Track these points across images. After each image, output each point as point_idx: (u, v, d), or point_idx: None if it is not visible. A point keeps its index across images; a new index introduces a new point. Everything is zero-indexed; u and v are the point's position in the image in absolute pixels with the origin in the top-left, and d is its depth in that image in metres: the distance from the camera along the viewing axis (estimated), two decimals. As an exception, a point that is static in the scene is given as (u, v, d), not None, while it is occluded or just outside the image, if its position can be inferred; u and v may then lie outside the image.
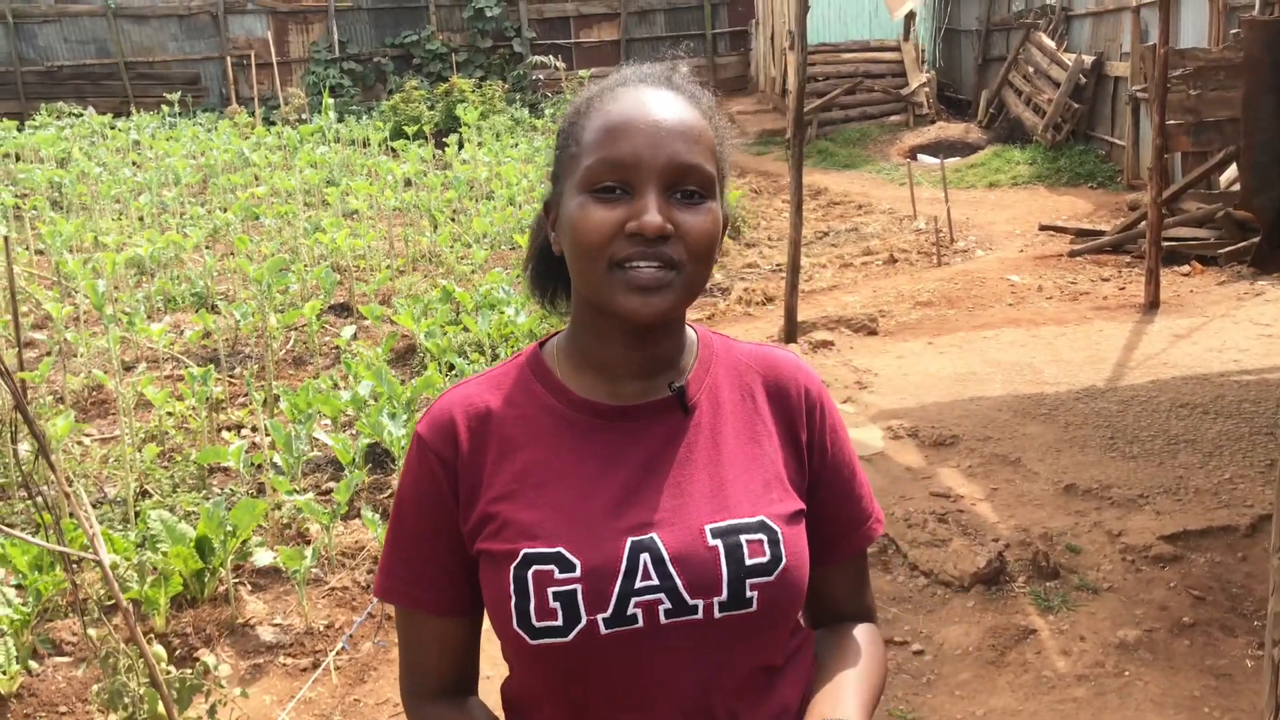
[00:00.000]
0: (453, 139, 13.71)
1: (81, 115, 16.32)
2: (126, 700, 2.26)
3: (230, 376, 6.27)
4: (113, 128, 15.27)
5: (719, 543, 1.09)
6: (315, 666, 3.43)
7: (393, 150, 14.37)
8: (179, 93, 17.64)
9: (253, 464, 4.68)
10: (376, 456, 4.99)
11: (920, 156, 13.65)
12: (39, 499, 2.36)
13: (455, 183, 10.84)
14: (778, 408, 1.20)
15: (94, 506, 4.35)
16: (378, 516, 4.03)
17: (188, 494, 4.49)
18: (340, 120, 15.99)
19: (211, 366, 5.40)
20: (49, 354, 6.52)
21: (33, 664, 3.28)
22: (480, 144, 13.85)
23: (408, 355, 6.63)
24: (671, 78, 1.15)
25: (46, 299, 7.15)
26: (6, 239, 5.25)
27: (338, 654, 3.45)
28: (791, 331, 6.74)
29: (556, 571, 1.07)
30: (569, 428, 1.14)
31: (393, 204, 10.33)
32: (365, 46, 19.22)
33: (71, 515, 3.55)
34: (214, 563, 3.70)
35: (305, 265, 8.20)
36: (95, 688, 2.43)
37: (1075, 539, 3.95)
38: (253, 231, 9.61)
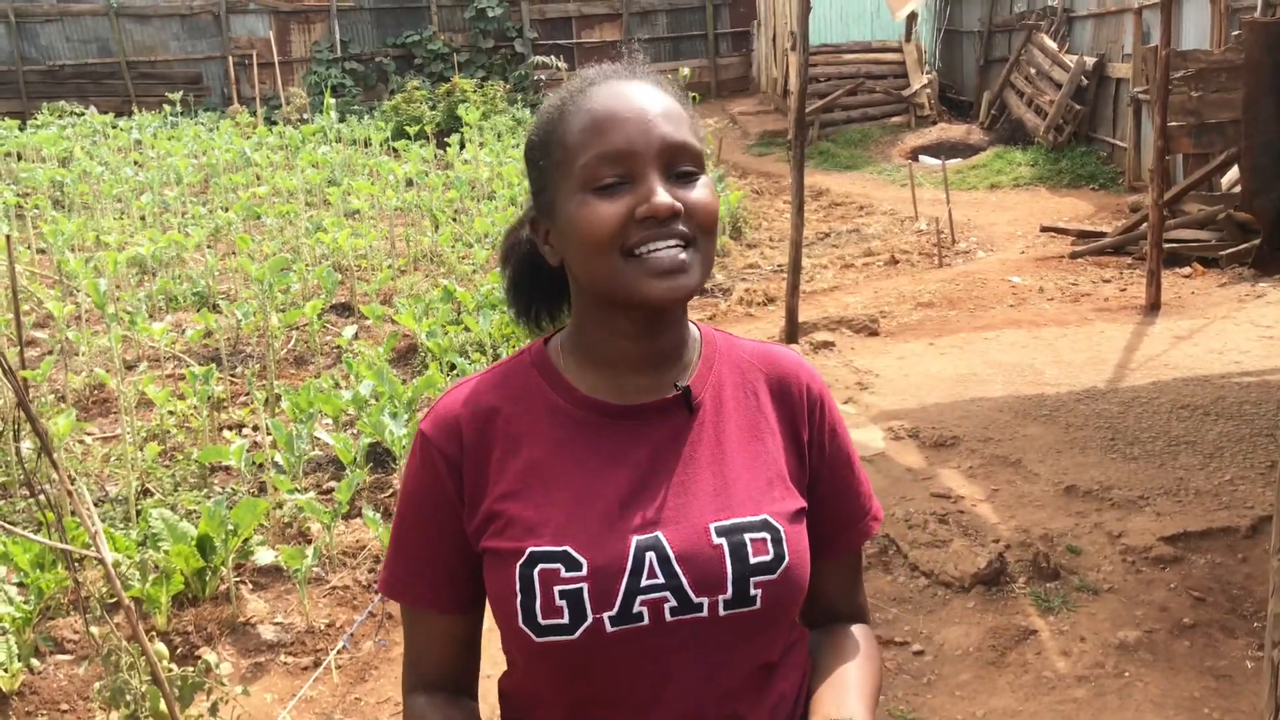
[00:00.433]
0: (454, 139, 13.72)
1: (83, 114, 16.33)
2: (128, 698, 2.26)
3: (232, 376, 6.27)
4: (114, 127, 15.27)
5: (723, 541, 1.10)
6: (316, 665, 3.44)
7: (394, 150, 14.38)
8: (181, 92, 17.64)
9: (254, 463, 4.69)
10: (378, 456, 5.00)
11: (922, 157, 13.65)
12: (41, 497, 2.37)
13: (457, 183, 10.84)
14: (780, 405, 1.21)
15: (95, 505, 4.36)
16: (379, 516, 4.04)
17: (189, 493, 4.50)
18: (342, 120, 15.99)
19: (213, 366, 5.41)
20: (50, 353, 6.53)
21: (35, 662, 3.28)
22: (482, 144, 13.86)
23: (409, 355, 6.63)
24: (634, 70, 1.16)
25: (48, 298, 7.16)
26: (9, 237, 5.26)
27: (339, 653, 3.45)
28: (793, 332, 6.74)
29: (563, 570, 1.07)
30: (574, 426, 1.15)
31: (394, 204, 10.34)
32: (367, 46, 19.23)
33: (73, 513, 3.55)
34: (215, 561, 3.70)
35: (307, 265, 8.21)
36: (97, 685, 2.44)
37: (1076, 540, 3.96)
38: (254, 231, 9.61)
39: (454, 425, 1.15)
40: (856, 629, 1.26)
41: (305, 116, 17.00)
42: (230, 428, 5.49)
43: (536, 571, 1.08)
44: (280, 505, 4.41)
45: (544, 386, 1.17)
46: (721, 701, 1.12)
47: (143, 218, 10.39)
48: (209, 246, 9.13)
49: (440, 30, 19.33)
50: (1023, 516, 4.17)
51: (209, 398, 5.14)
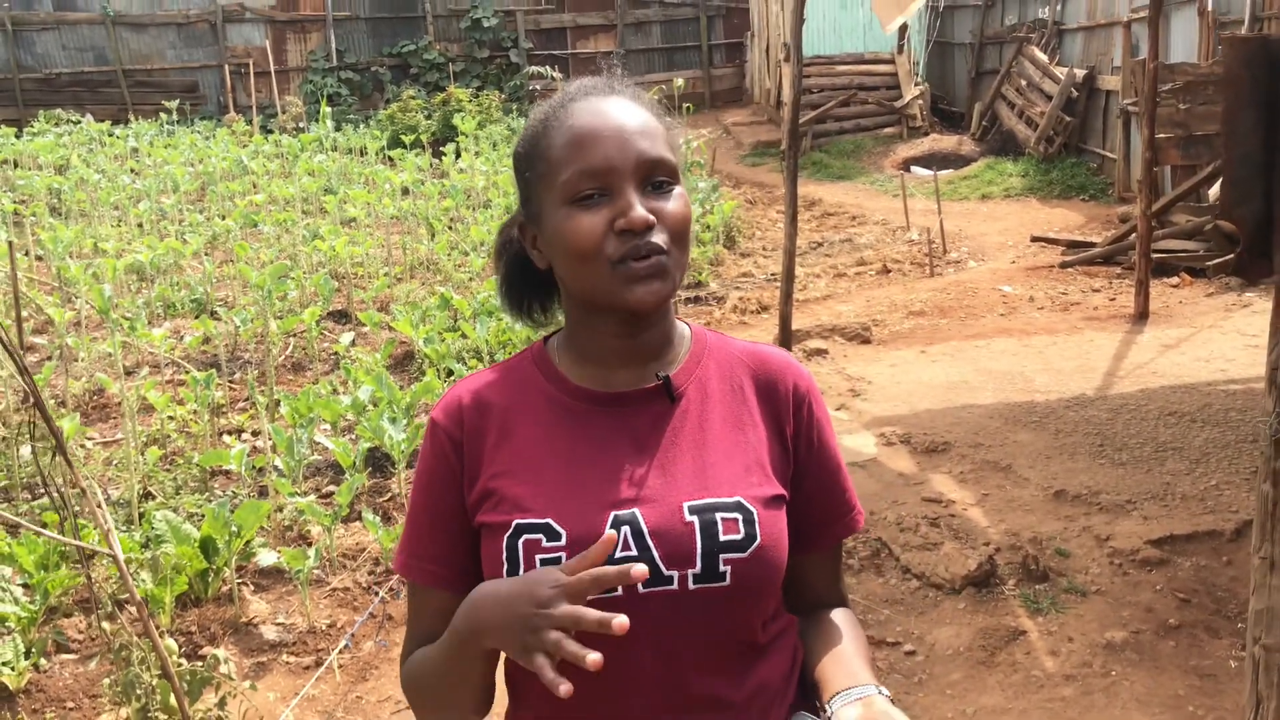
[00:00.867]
0: (450, 148, 13.80)
1: (79, 122, 16.37)
2: (139, 692, 2.32)
3: (230, 382, 6.33)
4: (111, 135, 15.32)
5: (695, 519, 1.17)
6: (318, 665, 3.49)
7: (390, 159, 14.44)
8: (177, 101, 17.71)
9: (254, 467, 4.74)
10: (377, 461, 5.05)
11: (914, 168, 13.76)
12: (55, 495, 2.43)
13: (453, 191, 10.91)
14: (765, 400, 1.28)
15: (97, 508, 4.40)
16: (378, 519, 4.10)
17: (190, 496, 4.55)
18: (337, 129, 16.06)
19: (213, 371, 5.45)
20: (49, 358, 6.58)
21: (41, 660, 3.33)
22: (477, 153, 13.93)
23: (406, 362, 6.69)
24: (613, 84, 1.24)
25: (47, 304, 7.21)
26: (11, 244, 5.32)
27: (340, 652, 3.51)
28: (786, 339, 6.81)
29: (544, 540, 1.16)
30: (565, 412, 1.24)
31: (391, 212, 10.40)
32: (363, 56, 19.31)
33: (77, 515, 3.60)
34: (218, 563, 3.76)
35: (304, 272, 8.27)
36: (107, 681, 2.49)
37: (1064, 543, 4.03)
38: (251, 239, 9.66)
39: (457, 411, 1.26)
40: (839, 612, 1.33)
41: (301, 125, 17.07)
42: (230, 433, 5.54)
43: (521, 541, 1.16)
44: (280, 509, 4.46)
45: (540, 378, 1.27)
46: (704, 678, 1.18)
47: (140, 225, 10.44)
48: (206, 254, 9.18)
49: (436, 40, 19.42)
50: (1012, 520, 4.24)
51: (209, 402, 5.20)
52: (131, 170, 13.11)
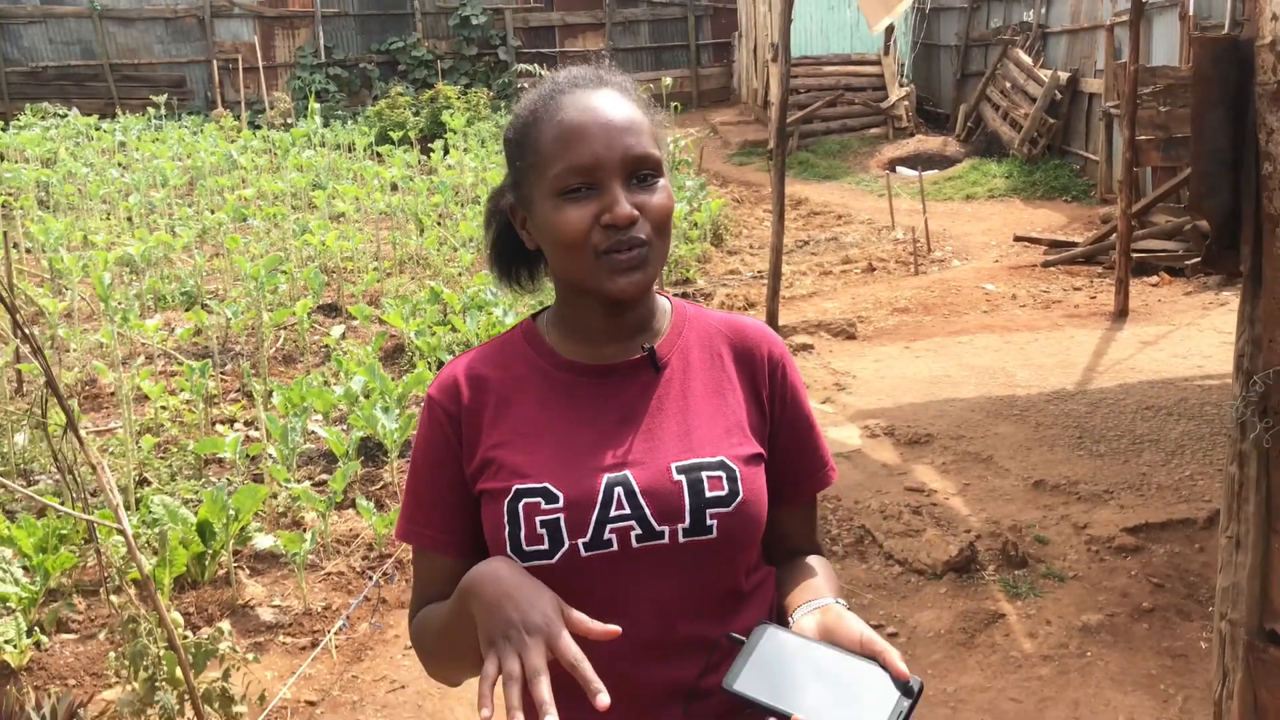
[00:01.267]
0: (438, 145, 13.84)
1: (66, 116, 16.35)
2: (146, 663, 2.38)
3: (222, 373, 6.38)
4: (98, 129, 15.30)
5: (683, 478, 1.26)
6: (314, 646, 3.56)
7: (378, 155, 14.48)
8: (164, 95, 17.68)
9: (248, 455, 4.80)
10: (369, 450, 5.12)
11: (899, 169, 13.89)
12: (67, 472, 2.49)
13: (441, 188, 10.97)
14: (743, 367, 1.37)
15: (93, 495, 4.46)
16: (372, 505, 4.17)
17: (186, 482, 4.61)
18: (326, 125, 16.08)
19: (208, 361, 5.51)
20: (41, 349, 6.61)
21: (43, 639, 3.39)
22: (466, 150, 13.98)
23: (396, 354, 6.76)
24: (602, 75, 1.31)
25: (38, 295, 7.24)
26: (5, 234, 5.36)
27: (337, 633, 3.58)
28: (772, 335, 6.91)
29: (543, 503, 1.24)
30: (557, 385, 1.32)
31: (380, 207, 10.45)
32: (351, 52, 19.33)
33: (93, 493, 3.66)
34: (215, 546, 3.82)
35: (295, 266, 8.32)
36: (113, 655, 2.56)
37: (1043, 531, 4.14)
38: (241, 233, 9.70)
39: (454, 388, 1.33)
40: (814, 557, 1.42)
41: (289, 121, 17.08)
42: (223, 422, 5.60)
43: (521, 505, 1.24)
44: (275, 495, 4.53)
45: (531, 354, 1.35)
46: (691, 622, 1.27)
47: (129, 219, 10.45)
48: (196, 247, 9.22)
49: (424, 37, 19.46)
50: (993, 509, 4.35)
51: (203, 392, 5.25)
52: (119, 164, 13.11)
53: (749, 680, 1.13)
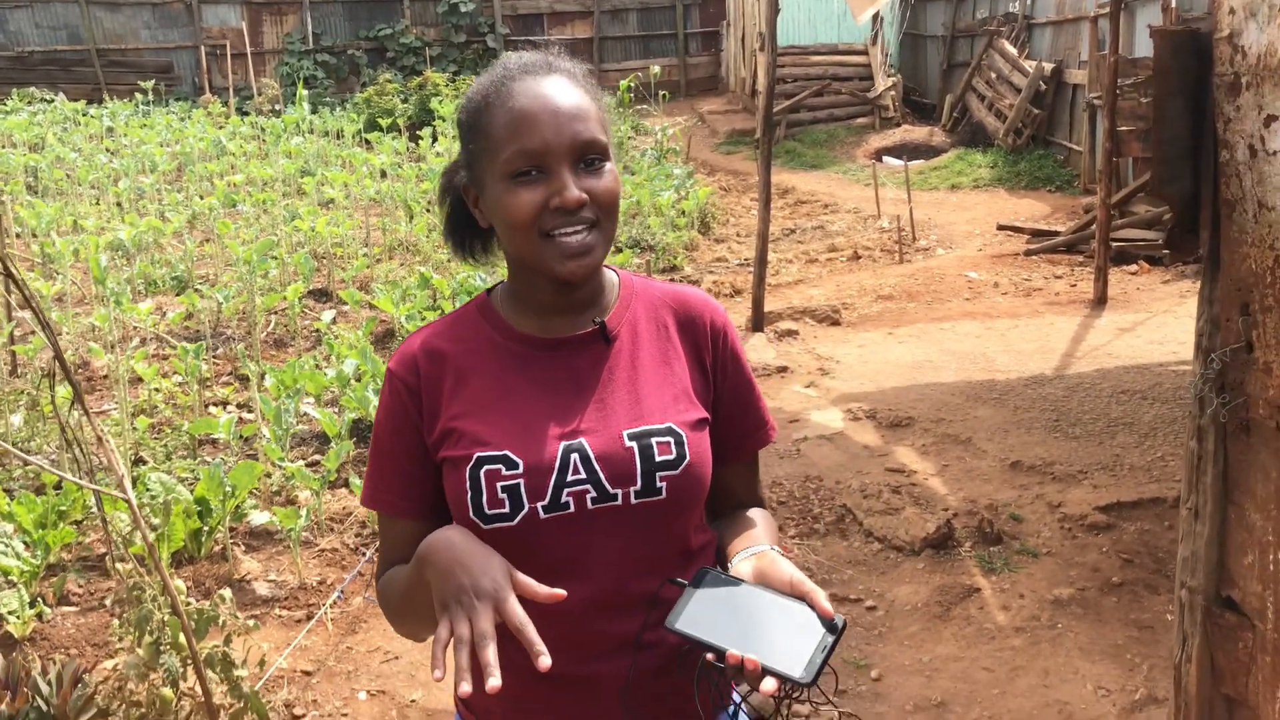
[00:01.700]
0: (426, 132, 13.88)
1: (53, 101, 16.31)
2: (151, 627, 2.47)
3: (214, 357, 6.45)
4: (85, 115, 15.28)
5: (634, 444, 1.35)
6: (309, 619, 3.66)
7: (367, 142, 14.52)
8: (152, 81, 17.65)
9: (241, 436, 4.89)
10: (361, 431, 5.21)
11: (885, 158, 14.00)
12: (74, 447, 2.58)
13: (430, 174, 11.03)
14: (687, 336, 1.46)
15: (87, 475, 4.54)
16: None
17: (181, 461, 4.69)
18: (314, 112, 16.09)
19: (202, 344, 5.58)
20: (33, 332, 6.67)
21: (45, 610, 3.48)
22: (454, 137, 14.01)
23: (386, 339, 6.84)
24: (551, 62, 1.38)
25: (30, 279, 7.28)
26: None
27: (331, 606, 3.67)
28: (758, 321, 7.02)
29: (504, 470, 1.32)
30: (513, 358, 1.40)
31: (369, 194, 10.51)
32: (339, 39, 19.32)
33: (104, 468, 3.74)
34: (212, 522, 3.91)
35: (285, 251, 8.38)
36: (116, 622, 2.65)
37: (1019, 509, 4.26)
38: (230, 219, 9.75)
39: (413, 362, 1.40)
40: (755, 509, 1.52)
41: (277, 108, 17.08)
42: (215, 405, 5.68)
43: (483, 472, 1.32)
44: (269, 475, 4.62)
45: (486, 328, 1.42)
46: (642, 577, 1.37)
47: (118, 204, 10.48)
48: (186, 233, 9.27)
49: (413, 24, 19.46)
50: (970, 488, 4.47)
51: (197, 374, 5.33)
52: (108, 150, 13.11)
53: (689, 620, 1.23)
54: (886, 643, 3.49)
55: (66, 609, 3.62)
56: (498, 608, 1.14)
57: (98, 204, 10.64)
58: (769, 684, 1.14)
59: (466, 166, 1.40)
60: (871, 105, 15.58)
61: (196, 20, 18.61)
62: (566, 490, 1.32)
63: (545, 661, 1.09)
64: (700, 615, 1.23)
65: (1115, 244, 7.92)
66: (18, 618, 3.33)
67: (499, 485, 1.31)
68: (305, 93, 16.11)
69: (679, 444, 1.35)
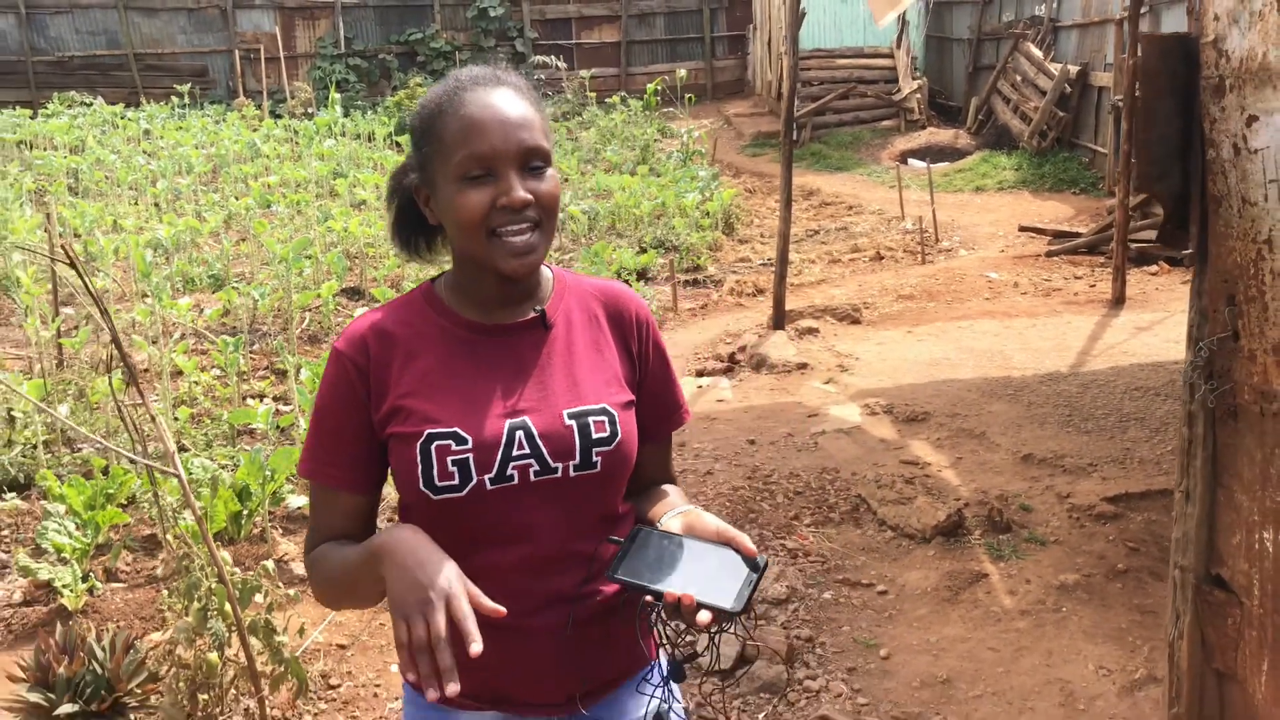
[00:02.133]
0: (457, 135, 14.07)
1: (91, 104, 16.69)
2: (199, 594, 2.65)
3: (250, 351, 6.66)
4: (123, 118, 15.63)
5: (574, 423, 1.50)
6: (343, 597, 3.83)
7: (397, 145, 14.76)
8: (188, 84, 18.02)
9: (278, 426, 5.08)
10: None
11: (910, 161, 14.08)
12: (130, 429, 2.76)
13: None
14: (615, 326, 1.61)
15: (131, 462, 4.75)
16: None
17: (221, 449, 4.89)
18: (346, 115, 16.36)
19: (241, 337, 5.79)
20: (77, 327, 6.91)
21: (96, 585, 3.68)
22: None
23: (417, 335, 7.02)
24: (499, 75, 1.51)
25: (71, 276, 7.53)
26: (49, 216, 5.65)
27: (364, 585, 3.84)
28: (779, 319, 7.15)
29: (453, 445, 1.45)
30: (458, 343, 1.53)
31: (400, 195, 10.69)
32: (371, 43, 19.61)
33: (134, 445, 3.93)
34: (251, 506, 4.10)
35: (319, 250, 8.60)
36: (166, 592, 2.83)
37: (1028, 500, 4.37)
38: (265, 219, 9.99)
39: (361, 342, 1.51)
40: (668, 485, 1.69)
41: (310, 111, 17.38)
42: (252, 397, 5.88)
43: (434, 447, 1.45)
44: (304, 463, 4.80)
45: (433, 314, 1.55)
46: (574, 541, 1.52)
47: (156, 204, 10.76)
48: (222, 232, 9.52)
49: (443, 29, 19.72)
50: (982, 480, 4.59)
51: (235, 366, 5.53)
52: (145, 152, 13.43)
53: (629, 569, 1.39)
54: (896, 624, 3.62)
55: (115, 585, 3.82)
56: (447, 605, 1.26)
57: (136, 204, 10.92)
58: (704, 616, 1.30)
59: (419, 168, 1.52)
60: (897, 108, 15.66)
61: (231, 25, 18.96)
62: (512, 464, 1.45)
63: (476, 648, 1.22)
64: (638, 565, 1.39)
65: (1135, 245, 8.00)
66: (71, 591, 3.53)
67: (449, 459, 1.43)
68: (337, 96, 16.39)
69: (612, 422, 1.50)
